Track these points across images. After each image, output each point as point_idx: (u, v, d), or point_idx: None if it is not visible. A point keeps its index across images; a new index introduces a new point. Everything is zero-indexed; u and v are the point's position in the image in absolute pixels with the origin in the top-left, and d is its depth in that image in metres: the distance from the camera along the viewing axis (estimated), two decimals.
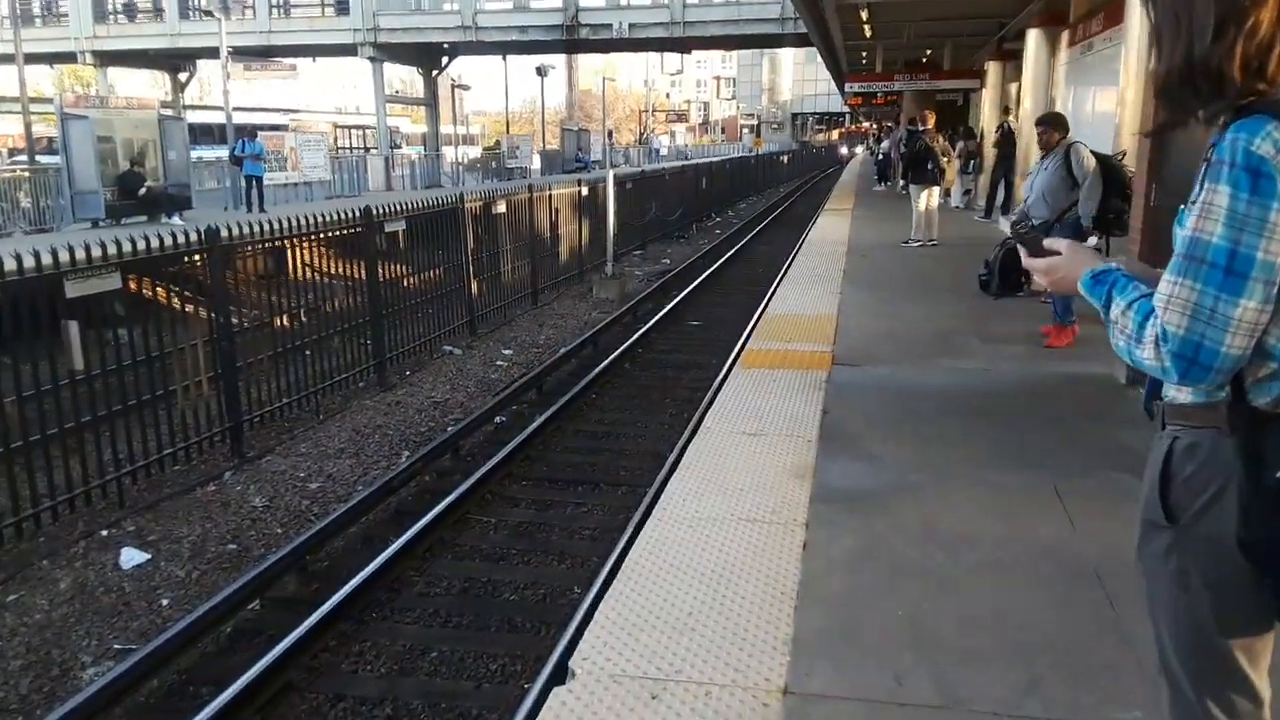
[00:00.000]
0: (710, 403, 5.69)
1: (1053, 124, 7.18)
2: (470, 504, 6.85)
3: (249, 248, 8.75)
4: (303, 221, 9.33)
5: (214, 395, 8.18)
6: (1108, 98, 10.19)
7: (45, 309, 6.42)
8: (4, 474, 6.14)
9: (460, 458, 7.92)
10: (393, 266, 11.15)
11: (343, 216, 9.91)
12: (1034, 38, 13.94)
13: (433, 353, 11.52)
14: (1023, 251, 1.75)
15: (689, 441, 4.63)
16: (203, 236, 7.99)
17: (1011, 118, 15.38)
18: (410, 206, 11.53)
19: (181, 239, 7.98)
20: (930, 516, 3.53)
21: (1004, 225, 11.80)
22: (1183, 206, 1.43)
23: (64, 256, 6.44)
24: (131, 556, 6.23)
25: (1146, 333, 1.40)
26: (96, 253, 6.76)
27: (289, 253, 9.55)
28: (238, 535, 6.70)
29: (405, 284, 11.36)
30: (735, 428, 4.67)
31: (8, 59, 22.36)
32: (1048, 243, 1.71)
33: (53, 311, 6.49)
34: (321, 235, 9.69)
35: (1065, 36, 13.14)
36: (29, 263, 6.17)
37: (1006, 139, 14.74)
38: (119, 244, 7.12)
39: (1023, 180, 13.68)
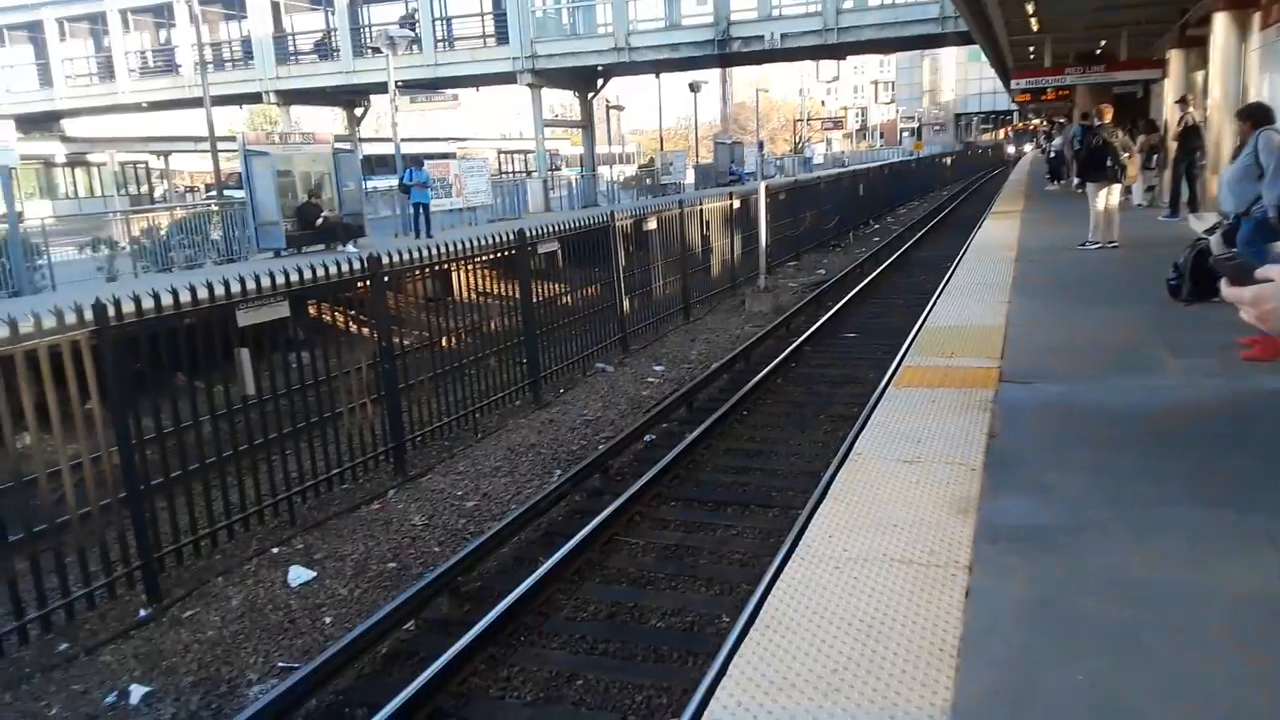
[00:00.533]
0: (863, 425, 5.35)
1: (1246, 116, 6.56)
2: (619, 525, 6.76)
3: (408, 274, 9.00)
4: (457, 246, 9.55)
5: (378, 416, 8.44)
6: None
7: (220, 337, 6.76)
8: (184, 493, 6.49)
9: (609, 477, 7.86)
10: (547, 286, 11.31)
11: (497, 239, 10.09)
12: (1221, 22, 12.68)
13: (585, 370, 11.59)
14: (1224, 281, 1.47)
15: (838, 470, 4.32)
16: (364, 264, 8.27)
17: (1192, 108, 14.10)
18: (563, 227, 11.68)
19: (346, 266, 8.29)
20: (1115, 562, 3.09)
21: (1194, 223, 10.72)
22: None
23: (235, 287, 6.77)
24: (299, 574, 6.45)
25: None
26: (266, 283, 7.08)
27: (447, 276, 9.80)
28: (398, 553, 6.85)
29: (559, 303, 11.50)
30: (890, 454, 4.33)
31: (200, 102, 24.26)
32: (1260, 272, 1.41)
33: (226, 339, 6.83)
34: (475, 259, 9.89)
35: (1257, 19, 11.89)
36: (203, 294, 6.51)
37: (1190, 132, 13.52)
38: (286, 274, 7.43)
39: (1215, 176, 12.46)
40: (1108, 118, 11.41)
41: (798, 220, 21.95)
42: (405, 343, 9.37)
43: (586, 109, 34.30)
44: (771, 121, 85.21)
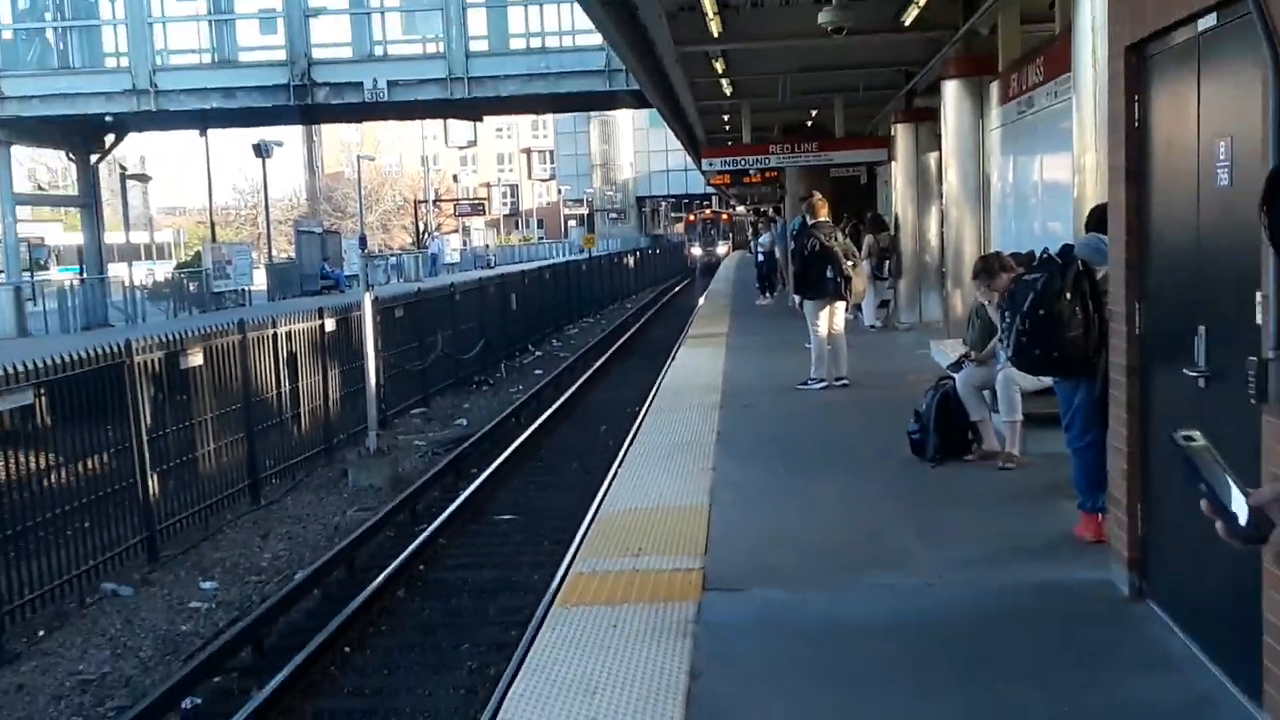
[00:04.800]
0: (516, 670, 5.33)
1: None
2: None
3: None
4: None
5: None
6: (1060, 165, 10.74)
7: None
8: None
9: None
10: (17, 459, 10.44)
11: None
12: (952, 91, 14.74)
13: (84, 596, 10.74)
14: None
15: None
16: None
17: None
18: (46, 365, 10.91)
19: None
20: None
21: (936, 354, 12.08)
22: None
23: None
24: None
25: None
26: None
27: None
28: None
29: (38, 486, 10.63)
30: (554, 714, 4.32)
31: None
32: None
33: None
34: None
35: (995, 89, 13.97)
36: None
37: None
38: None
39: (957, 290, 14.19)
40: (822, 214, 12.69)
41: (425, 347, 22.18)
42: None
43: (88, 177, 32.97)
44: (383, 201, 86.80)
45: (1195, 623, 4.88)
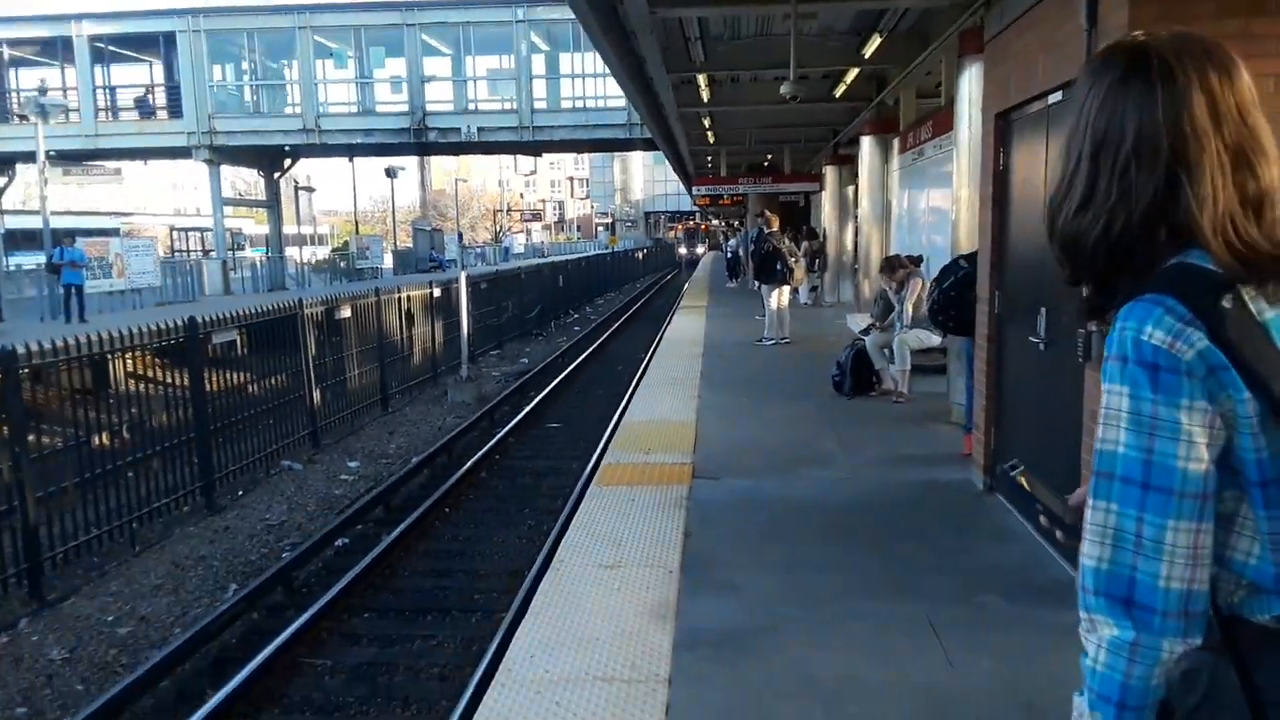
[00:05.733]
0: (564, 526, 5.31)
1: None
2: (302, 645, 6.16)
3: (50, 368, 7.88)
4: (112, 334, 8.51)
5: (5, 531, 7.20)
6: (942, 197, 10.62)
7: None
8: None
9: (294, 591, 7.20)
10: (225, 376, 10.38)
11: (161, 327, 9.14)
12: (867, 144, 14.56)
13: (270, 469, 10.70)
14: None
15: (539, 579, 4.21)
16: None
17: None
18: (245, 314, 10.84)
19: None
20: (804, 662, 3.22)
21: (851, 323, 12.03)
22: None
23: None
24: None
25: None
26: None
27: (100, 367, 8.69)
28: (29, 696, 5.79)
29: (239, 395, 10.58)
30: (590, 559, 4.30)
31: None
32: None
33: None
34: (132, 350, 8.88)
35: (897, 143, 13.77)
36: None
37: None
38: None
39: (866, 280, 14.10)
40: (775, 225, 12.60)
41: (500, 309, 22.05)
42: (45, 442, 8.13)
43: (273, 188, 32.63)
44: (471, 210, 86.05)
45: (1027, 510, 4.85)
